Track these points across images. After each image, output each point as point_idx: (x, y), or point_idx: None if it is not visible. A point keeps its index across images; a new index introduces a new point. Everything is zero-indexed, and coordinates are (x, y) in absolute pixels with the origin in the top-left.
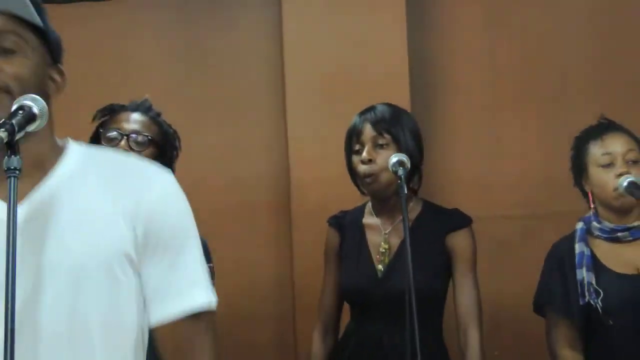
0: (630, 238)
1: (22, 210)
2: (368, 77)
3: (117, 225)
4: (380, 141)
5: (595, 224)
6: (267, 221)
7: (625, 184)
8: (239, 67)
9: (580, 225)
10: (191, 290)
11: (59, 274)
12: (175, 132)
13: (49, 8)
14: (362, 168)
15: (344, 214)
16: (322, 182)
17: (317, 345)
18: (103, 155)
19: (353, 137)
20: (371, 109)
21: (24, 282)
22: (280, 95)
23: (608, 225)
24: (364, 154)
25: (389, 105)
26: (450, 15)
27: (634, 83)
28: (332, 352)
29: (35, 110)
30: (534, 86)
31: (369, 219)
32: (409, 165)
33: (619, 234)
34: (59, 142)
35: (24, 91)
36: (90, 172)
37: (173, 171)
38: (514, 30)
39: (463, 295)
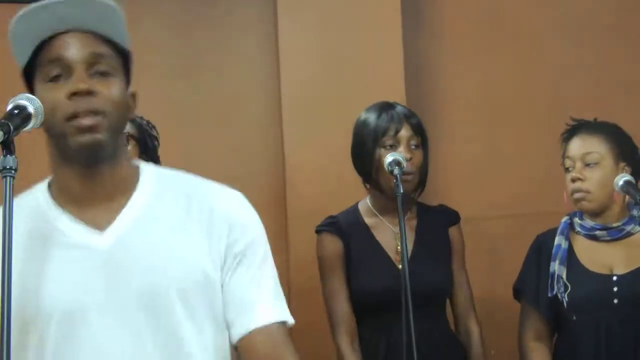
0: (608, 238)
1: (107, 236)
2: (364, 78)
3: (198, 252)
4: (414, 142)
5: (577, 219)
6: (262, 220)
7: (620, 182)
8: (234, 68)
9: (565, 218)
10: (275, 302)
11: (149, 298)
12: (148, 122)
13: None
14: (394, 156)
15: (335, 218)
16: (318, 183)
17: (350, 355)
18: (175, 175)
19: (385, 132)
20: (393, 106)
21: (113, 308)
22: (276, 97)
23: (589, 223)
24: (405, 152)
25: (408, 108)
26: (446, 20)
27: (628, 85)
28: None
29: (31, 109)
30: (527, 89)
31: (372, 220)
32: (404, 165)
33: (597, 233)
34: (132, 163)
35: (118, 114)
36: (168, 195)
37: (159, 160)
38: (509, 34)
39: (460, 288)
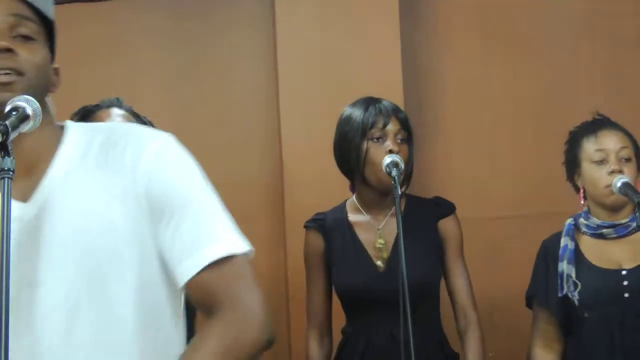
0: (615, 235)
1: (24, 208)
2: (362, 79)
3: (117, 211)
4: (401, 136)
5: (582, 220)
6: (260, 221)
7: (619, 184)
8: (232, 69)
9: (569, 220)
10: (221, 236)
11: (63, 264)
12: (150, 123)
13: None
14: (392, 157)
15: (323, 215)
16: (316, 182)
17: (314, 350)
18: (97, 130)
19: (372, 125)
20: (379, 100)
21: (27, 274)
22: (273, 97)
23: (595, 221)
24: (392, 145)
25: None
26: (443, 20)
27: (626, 87)
28: (336, 356)
29: (29, 111)
30: (525, 93)
31: (356, 217)
32: (402, 166)
33: (604, 231)
34: (59, 126)
35: (37, 77)
36: (88, 155)
37: None
38: (507, 34)
39: (457, 280)
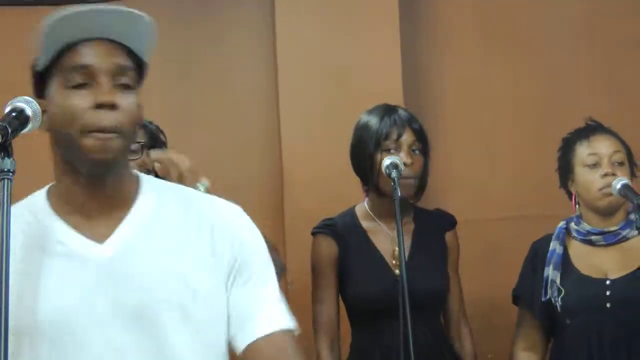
0: (604, 243)
1: (107, 249)
2: (362, 83)
3: (200, 260)
4: (416, 147)
5: (573, 225)
6: (260, 223)
7: (618, 186)
8: (232, 71)
9: (561, 223)
10: (278, 311)
11: (149, 312)
12: (157, 126)
13: (42, 10)
14: (392, 159)
15: (333, 221)
16: (315, 183)
17: (327, 358)
18: (174, 189)
19: (387, 136)
20: (395, 110)
21: (105, 325)
22: (273, 99)
23: (585, 227)
24: (407, 158)
25: (410, 112)
26: (443, 26)
27: (625, 88)
28: None
29: (29, 112)
30: (525, 94)
31: (369, 224)
32: (402, 167)
33: (593, 237)
34: (134, 175)
35: (132, 130)
36: (168, 207)
37: None
38: (506, 38)
39: (453, 294)
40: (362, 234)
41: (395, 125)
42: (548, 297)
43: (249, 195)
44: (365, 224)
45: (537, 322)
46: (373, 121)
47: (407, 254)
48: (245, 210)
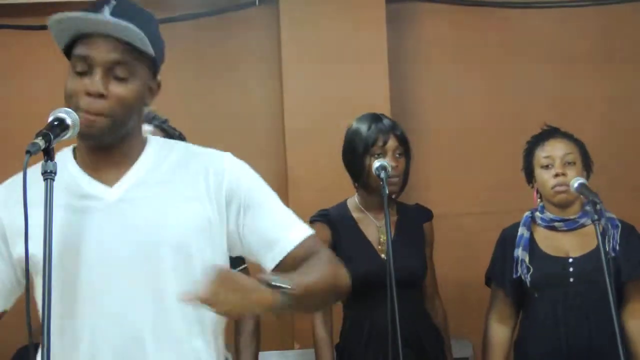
0: (565, 228)
1: (112, 193)
2: (356, 94)
3: (198, 203)
4: (399, 151)
5: (538, 213)
6: None
7: (575, 185)
8: (240, 83)
9: (527, 213)
10: (294, 224)
11: (145, 248)
12: (180, 134)
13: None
14: (380, 162)
15: (327, 211)
16: (317, 183)
17: (322, 330)
18: (174, 143)
19: (374, 142)
20: (380, 119)
21: (113, 254)
22: (278, 109)
23: (549, 215)
24: (392, 161)
25: (393, 120)
26: (425, 44)
27: (583, 104)
28: (343, 338)
29: (69, 121)
30: (495, 105)
31: (359, 214)
32: (390, 169)
33: (556, 224)
34: (144, 137)
35: (123, 114)
36: (169, 158)
37: None
38: (479, 58)
39: (429, 273)
40: (353, 223)
41: (381, 133)
42: (518, 274)
43: None
44: (355, 214)
45: (508, 297)
46: (362, 128)
47: (391, 241)
48: None
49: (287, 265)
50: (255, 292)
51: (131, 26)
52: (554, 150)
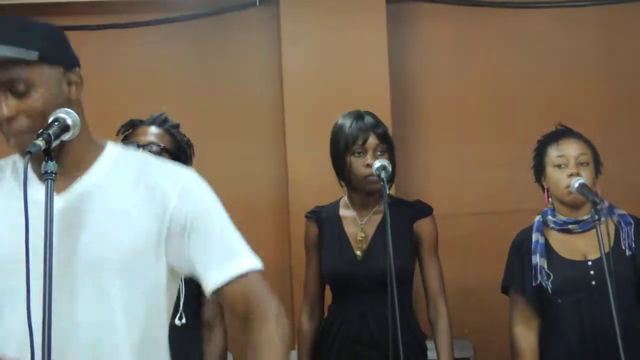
0: (580, 230)
1: (60, 200)
2: (356, 92)
3: (143, 221)
4: (380, 149)
5: (550, 217)
6: (268, 216)
7: (576, 185)
8: (241, 84)
9: (538, 217)
10: (243, 255)
11: (91, 262)
12: (188, 140)
13: (76, 35)
14: (368, 170)
15: (320, 208)
16: (316, 183)
17: (305, 324)
18: (133, 156)
19: (354, 141)
20: (362, 117)
21: (58, 269)
22: (279, 110)
23: (561, 218)
24: (370, 160)
25: (376, 117)
26: (426, 45)
27: (582, 103)
28: (319, 330)
29: (69, 121)
30: (495, 105)
31: (345, 212)
32: (390, 169)
33: (570, 226)
34: (99, 142)
35: (41, 118)
36: (123, 172)
37: None
38: (478, 60)
39: (430, 274)
40: (337, 220)
41: (361, 131)
42: (539, 281)
43: (259, 193)
44: (342, 212)
45: (529, 304)
46: (345, 125)
47: (369, 239)
48: (256, 205)
49: (224, 294)
50: None
51: (6, 47)
52: (568, 149)
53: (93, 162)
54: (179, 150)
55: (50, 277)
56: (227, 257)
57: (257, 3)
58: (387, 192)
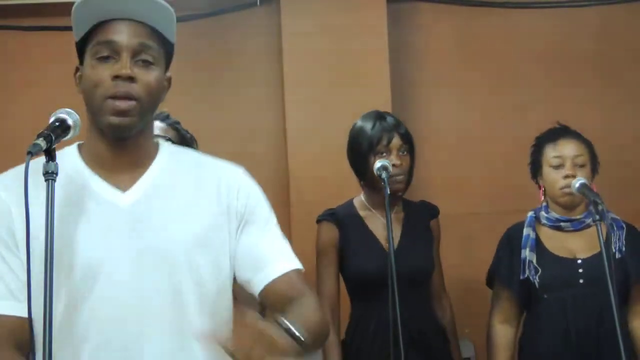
0: (572, 228)
1: (127, 197)
2: (358, 94)
3: (209, 212)
4: (403, 149)
5: (543, 213)
6: None
7: (577, 185)
8: (243, 85)
9: (530, 213)
10: (286, 254)
11: (164, 254)
12: (192, 136)
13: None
14: (394, 171)
15: (333, 211)
16: (317, 182)
17: (330, 332)
18: (187, 152)
19: (379, 141)
20: (384, 117)
21: (129, 260)
22: (280, 110)
23: (554, 215)
24: (396, 160)
25: (396, 117)
26: (427, 49)
27: (579, 105)
28: (350, 337)
29: (70, 122)
30: (497, 106)
31: (366, 212)
32: (390, 169)
33: (562, 224)
34: (154, 141)
35: (150, 101)
36: (181, 166)
37: None
38: (479, 60)
39: (436, 271)
40: (360, 220)
41: (385, 132)
42: (526, 275)
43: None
44: (362, 212)
45: (513, 298)
46: (366, 127)
47: (398, 238)
48: None
49: (270, 291)
50: (278, 345)
51: (166, 4)
52: (565, 150)
53: (153, 159)
54: (184, 143)
55: (51, 273)
56: (275, 254)
57: (258, 3)
58: (389, 191)
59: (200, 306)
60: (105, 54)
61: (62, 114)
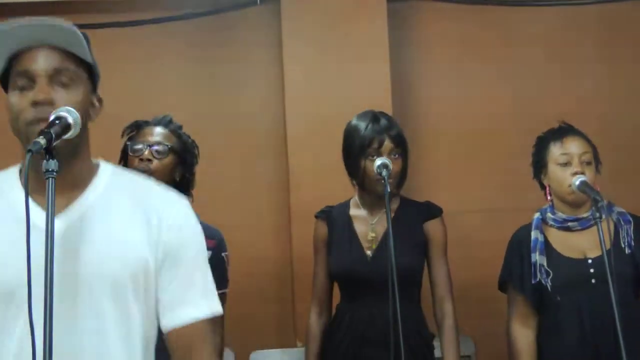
0: (579, 227)
1: (61, 222)
2: (357, 93)
3: (142, 243)
4: (395, 152)
5: (549, 214)
6: (270, 214)
7: (577, 183)
8: (243, 83)
9: (537, 215)
10: (201, 299)
11: (92, 282)
12: (193, 142)
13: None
14: (382, 160)
15: (330, 208)
16: (317, 182)
17: (314, 321)
18: (129, 176)
19: (370, 144)
20: (378, 119)
21: (60, 287)
22: (280, 109)
23: (561, 215)
24: (387, 162)
25: (391, 118)
26: (427, 47)
27: (580, 97)
28: (327, 328)
29: (70, 120)
30: (496, 106)
31: (356, 212)
32: (391, 167)
33: (570, 224)
34: (93, 160)
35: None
36: (119, 191)
37: (194, 175)
38: (480, 59)
39: (438, 274)
40: (348, 219)
41: (377, 134)
42: (538, 279)
43: (261, 191)
44: (352, 211)
45: (528, 301)
46: (360, 127)
47: (380, 237)
48: (258, 204)
49: (172, 336)
50: None
51: (66, 25)
52: (572, 147)
53: (90, 181)
54: (185, 150)
55: (52, 276)
56: (186, 301)
57: (258, 2)
58: (388, 191)
59: (126, 334)
60: (22, 84)
61: (63, 112)
